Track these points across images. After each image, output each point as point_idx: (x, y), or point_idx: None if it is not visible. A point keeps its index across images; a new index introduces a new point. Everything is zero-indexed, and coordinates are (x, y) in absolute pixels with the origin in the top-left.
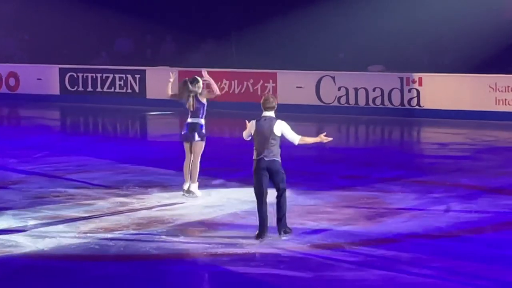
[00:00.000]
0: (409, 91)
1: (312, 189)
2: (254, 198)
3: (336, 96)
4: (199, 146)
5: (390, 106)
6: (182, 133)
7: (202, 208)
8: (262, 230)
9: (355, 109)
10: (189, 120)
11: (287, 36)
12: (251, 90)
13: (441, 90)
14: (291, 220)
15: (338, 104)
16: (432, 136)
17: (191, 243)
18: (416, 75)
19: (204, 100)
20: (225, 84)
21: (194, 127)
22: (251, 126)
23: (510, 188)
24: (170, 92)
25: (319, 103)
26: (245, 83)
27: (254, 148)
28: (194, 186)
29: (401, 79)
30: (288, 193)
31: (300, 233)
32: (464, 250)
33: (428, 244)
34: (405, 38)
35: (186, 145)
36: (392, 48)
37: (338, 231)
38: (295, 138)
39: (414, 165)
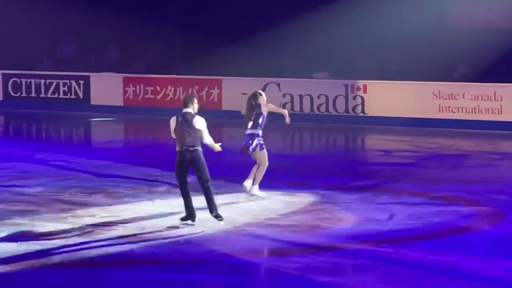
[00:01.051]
0: (354, 98)
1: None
2: (200, 205)
3: (281, 103)
4: (257, 155)
5: (335, 113)
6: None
7: (147, 214)
8: (189, 214)
9: (300, 116)
10: (248, 131)
11: (232, 42)
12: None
13: (385, 97)
14: (238, 227)
15: None
16: (376, 143)
17: (135, 250)
18: (360, 83)
19: (265, 112)
20: (170, 90)
21: (253, 137)
22: (172, 122)
23: (454, 195)
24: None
25: None
26: (190, 89)
27: (177, 141)
28: (256, 189)
29: (346, 86)
30: (233, 199)
31: (246, 240)
32: (407, 257)
33: (372, 250)
34: (350, 46)
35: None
36: (337, 56)
37: (282, 238)
38: (207, 137)
39: (359, 172)
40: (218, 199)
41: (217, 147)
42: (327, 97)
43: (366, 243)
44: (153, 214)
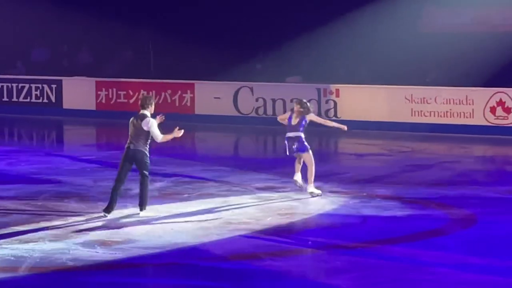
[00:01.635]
0: (327, 102)
1: (229, 201)
2: (173, 211)
3: (254, 107)
4: (305, 157)
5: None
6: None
7: (119, 219)
8: (109, 206)
9: (273, 120)
10: (289, 134)
11: (205, 46)
12: (169, 100)
13: (358, 101)
14: (210, 231)
15: (256, 115)
16: (349, 147)
17: (108, 254)
18: (333, 86)
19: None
20: (143, 95)
21: (294, 140)
22: (130, 122)
23: (425, 199)
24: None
25: (237, 113)
26: (162, 93)
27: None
28: (311, 187)
29: (319, 90)
30: (205, 204)
31: (219, 244)
32: (380, 260)
33: (345, 253)
34: (323, 50)
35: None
36: (310, 60)
37: (255, 242)
38: (158, 136)
39: (331, 176)
40: (192, 203)
41: (175, 133)
42: None
43: (340, 246)
44: (126, 218)
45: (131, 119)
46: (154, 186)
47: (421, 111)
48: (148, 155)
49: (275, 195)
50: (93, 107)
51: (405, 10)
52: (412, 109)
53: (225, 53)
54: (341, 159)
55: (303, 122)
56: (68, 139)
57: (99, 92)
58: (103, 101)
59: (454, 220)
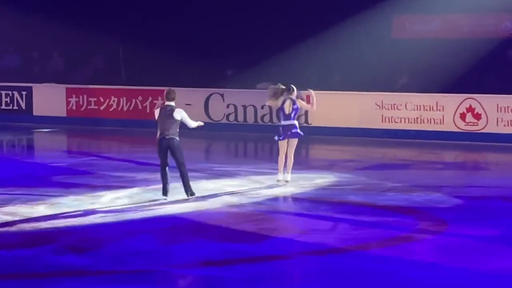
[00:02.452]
0: None
1: (201, 206)
2: (143, 216)
3: (224, 114)
4: (295, 142)
5: (278, 123)
6: (282, 135)
7: (90, 225)
8: (165, 190)
9: (244, 127)
10: (284, 122)
11: (176, 53)
12: (140, 107)
13: (328, 107)
14: (180, 237)
15: (227, 122)
16: (320, 153)
17: (78, 261)
18: (304, 93)
19: (299, 106)
20: (114, 101)
21: (291, 127)
22: (157, 112)
23: (396, 205)
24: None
25: (208, 120)
26: (133, 100)
27: (158, 129)
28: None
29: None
30: (177, 209)
31: (191, 251)
32: (351, 266)
33: (316, 260)
34: (294, 56)
35: (284, 143)
36: (281, 66)
37: (225, 248)
38: (190, 122)
39: (303, 182)
40: (164, 208)
41: (199, 123)
42: (270, 108)
43: (311, 252)
44: (97, 225)
45: (158, 110)
46: (125, 193)
47: (391, 117)
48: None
49: (246, 201)
50: (64, 114)
51: (376, 17)
52: (382, 115)
53: (196, 59)
54: (312, 165)
55: (295, 111)
56: (39, 146)
57: (69, 99)
58: (74, 107)
59: (424, 226)
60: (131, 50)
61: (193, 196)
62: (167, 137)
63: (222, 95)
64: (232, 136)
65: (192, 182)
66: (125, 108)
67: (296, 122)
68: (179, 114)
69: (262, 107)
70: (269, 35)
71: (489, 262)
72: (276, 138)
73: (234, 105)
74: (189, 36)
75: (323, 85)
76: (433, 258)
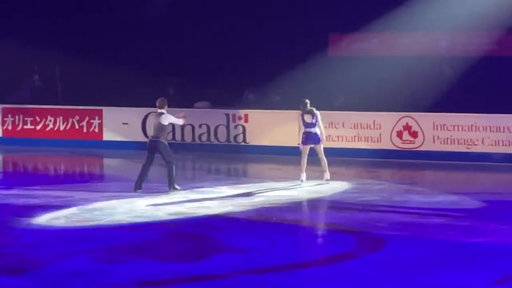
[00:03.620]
0: (235, 127)
1: (138, 225)
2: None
3: None
4: (320, 147)
5: (216, 142)
6: (303, 141)
7: (26, 246)
8: (136, 183)
9: (181, 146)
10: (307, 130)
11: (113, 72)
12: (77, 127)
13: (266, 126)
14: (117, 257)
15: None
16: (257, 172)
17: (14, 282)
18: (242, 112)
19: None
20: (50, 121)
21: (312, 134)
22: (150, 118)
23: (335, 222)
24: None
25: (145, 139)
26: (70, 120)
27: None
28: (327, 174)
29: (227, 115)
30: (115, 229)
31: (128, 271)
32: (290, 285)
33: (255, 279)
34: (231, 75)
35: (307, 148)
36: (218, 85)
37: (164, 267)
38: (179, 123)
39: (241, 200)
40: (101, 229)
41: (183, 117)
42: (208, 127)
43: (249, 271)
44: (33, 246)
45: (151, 116)
46: (62, 213)
47: (329, 135)
48: (167, 144)
49: (184, 220)
50: None
51: (313, 33)
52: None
53: (134, 78)
54: (251, 183)
55: (314, 120)
56: None
57: (5, 119)
58: (9, 127)
59: (363, 244)
60: (68, 69)
61: (176, 191)
62: (154, 139)
63: None
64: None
65: (128, 201)
66: (61, 128)
67: (317, 130)
68: (166, 120)
69: (200, 126)
70: (207, 56)
71: (425, 279)
72: None
73: (172, 123)
74: (127, 54)
75: (263, 104)
76: (372, 276)
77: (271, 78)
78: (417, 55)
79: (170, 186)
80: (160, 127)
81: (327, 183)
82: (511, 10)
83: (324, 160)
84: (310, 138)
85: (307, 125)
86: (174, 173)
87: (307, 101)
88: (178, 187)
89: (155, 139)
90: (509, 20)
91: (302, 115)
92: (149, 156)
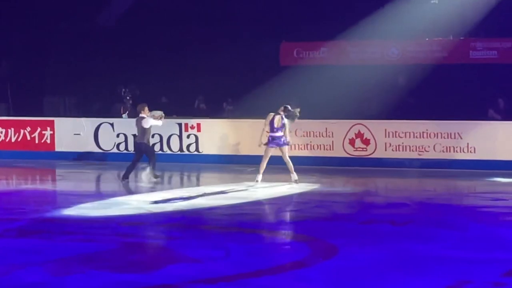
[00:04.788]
0: (188, 137)
1: (92, 237)
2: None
3: (115, 143)
4: (286, 148)
5: (169, 152)
6: (270, 143)
7: None
8: (125, 174)
9: (132, 156)
10: (272, 134)
11: (65, 82)
12: (29, 138)
13: (219, 135)
14: (70, 269)
15: (117, 151)
16: (210, 182)
17: None
18: (194, 121)
19: (286, 121)
20: (1, 132)
21: (277, 137)
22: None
23: (290, 231)
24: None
25: (98, 150)
26: (22, 131)
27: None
28: (295, 176)
29: (180, 125)
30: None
31: (82, 282)
32: None
33: None
34: (183, 84)
35: (271, 149)
36: (171, 95)
37: (119, 279)
38: (158, 124)
39: (193, 211)
40: (54, 241)
41: (160, 117)
42: (161, 136)
43: (202, 281)
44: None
45: (135, 121)
46: (15, 225)
47: None
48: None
49: (137, 231)
50: None
51: (265, 43)
52: None
53: (86, 88)
54: (203, 193)
55: (282, 126)
56: None
57: None
58: None
59: (316, 252)
60: (19, 79)
61: (157, 179)
62: (138, 141)
63: (111, 124)
64: (122, 166)
65: (81, 212)
66: (13, 139)
67: (282, 134)
68: (148, 123)
69: (153, 136)
70: (159, 66)
71: (378, 286)
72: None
73: (124, 134)
74: (77, 65)
75: (216, 113)
76: (326, 284)
77: (223, 86)
78: (369, 64)
79: (152, 172)
80: (143, 130)
81: (291, 185)
82: (461, 18)
83: (290, 162)
84: (275, 140)
85: (274, 129)
86: (155, 165)
87: (289, 106)
88: (158, 175)
89: (140, 142)
90: (459, 28)
91: (273, 118)
92: (136, 156)
